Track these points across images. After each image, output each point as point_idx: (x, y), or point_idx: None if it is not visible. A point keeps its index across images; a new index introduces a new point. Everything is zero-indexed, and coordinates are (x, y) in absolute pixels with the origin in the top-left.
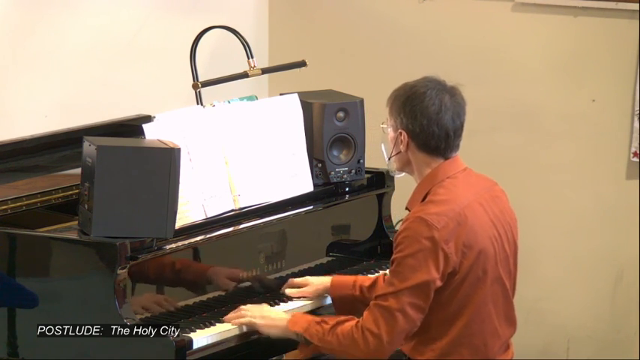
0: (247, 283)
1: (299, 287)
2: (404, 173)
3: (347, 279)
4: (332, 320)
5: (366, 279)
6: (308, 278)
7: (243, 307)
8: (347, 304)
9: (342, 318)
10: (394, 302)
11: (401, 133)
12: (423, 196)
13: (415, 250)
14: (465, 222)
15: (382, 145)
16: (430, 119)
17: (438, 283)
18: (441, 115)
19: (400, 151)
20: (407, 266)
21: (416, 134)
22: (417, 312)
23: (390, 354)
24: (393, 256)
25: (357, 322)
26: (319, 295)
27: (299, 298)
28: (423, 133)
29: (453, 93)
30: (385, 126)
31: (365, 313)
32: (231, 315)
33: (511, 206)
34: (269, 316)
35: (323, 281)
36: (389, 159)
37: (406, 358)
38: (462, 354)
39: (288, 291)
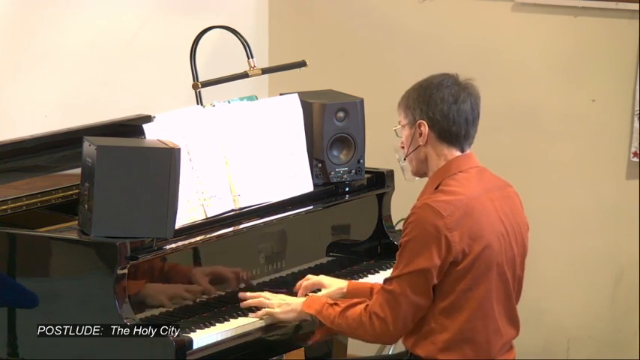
0: (248, 283)
1: (314, 286)
2: (417, 178)
3: (364, 285)
4: (344, 303)
5: None
6: (322, 280)
7: (261, 294)
8: None
9: (355, 301)
10: (397, 286)
11: (420, 125)
12: (434, 187)
13: (419, 234)
14: (471, 213)
15: (397, 153)
16: (450, 106)
17: (438, 272)
18: (459, 103)
19: (419, 146)
20: (410, 250)
21: (436, 121)
22: (420, 296)
23: (399, 337)
24: (400, 240)
25: (366, 305)
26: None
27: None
28: (443, 119)
29: (466, 85)
30: (399, 127)
31: (373, 297)
32: (249, 301)
33: (524, 211)
34: (286, 302)
35: (338, 285)
36: (404, 159)
37: (409, 354)
38: (463, 350)
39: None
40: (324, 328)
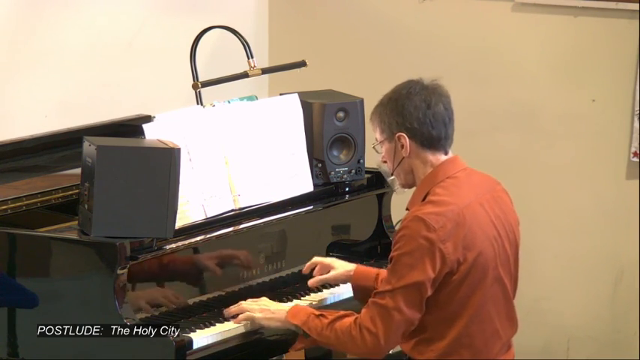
0: (248, 283)
1: (324, 268)
2: (406, 190)
3: (370, 270)
4: (331, 315)
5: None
6: (334, 260)
7: (243, 302)
8: (366, 296)
9: (342, 313)
10: (390, 301)
11: (400, 137)
12: (422, 196)
13: (412, 248)
14: (463, 222)
15: (381, 169)
16: (425, 112)
17: (432, 284)
18: (432, 107)
19: (403, 158)
20: (403, 264)
21: (415, 130)
22: (413, 310)
23: (389, 352)
24: (391, 254)
25: (356, 318)
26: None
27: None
28: (422, 126)
29: (434, 87)
30: (377, 144)
31: (363, 311)
32: (232, 309)
33: (514, 207)
34: (268, 309)
35: (347, 268)
36: (392, 174)
37: (406, 358)
38: (462, 355)
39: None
40: (308, 339)
